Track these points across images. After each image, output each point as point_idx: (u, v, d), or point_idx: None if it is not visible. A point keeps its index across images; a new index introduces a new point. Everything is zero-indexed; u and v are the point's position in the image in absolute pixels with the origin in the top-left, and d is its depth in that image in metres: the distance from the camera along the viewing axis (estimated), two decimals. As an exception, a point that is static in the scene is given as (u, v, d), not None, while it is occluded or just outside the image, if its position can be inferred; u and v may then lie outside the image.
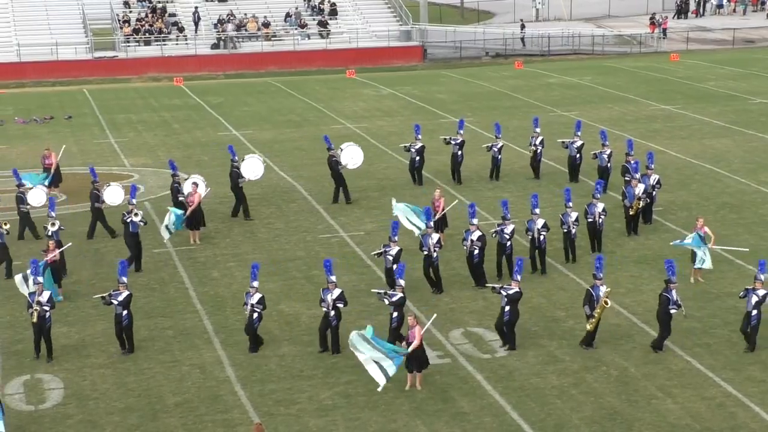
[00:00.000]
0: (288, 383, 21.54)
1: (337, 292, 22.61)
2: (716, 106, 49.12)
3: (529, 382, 21.44)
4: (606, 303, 22.45)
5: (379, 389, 20.54)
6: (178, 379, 21.82)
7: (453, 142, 35.69)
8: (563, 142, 35.72)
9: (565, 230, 27.85)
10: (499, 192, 34.46)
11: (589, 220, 28.44)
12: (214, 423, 20.01)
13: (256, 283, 22.68)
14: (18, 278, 24.46)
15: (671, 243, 27.60)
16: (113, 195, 31.06)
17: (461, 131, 36.09)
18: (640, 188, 29.82)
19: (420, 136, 35.78)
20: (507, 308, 22.59)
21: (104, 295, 22.95)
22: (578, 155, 35.16)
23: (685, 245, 26.46)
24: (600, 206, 28.47)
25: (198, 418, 20.19)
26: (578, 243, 28.20)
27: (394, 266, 24.58)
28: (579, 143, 35.15)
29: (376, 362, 20.53)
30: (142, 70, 64.09)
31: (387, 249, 25.66)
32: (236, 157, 32.71)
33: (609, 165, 33.93)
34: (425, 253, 26.04)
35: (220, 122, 48.01)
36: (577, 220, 27.86)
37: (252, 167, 32.90)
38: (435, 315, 22.33)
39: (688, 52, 69.03)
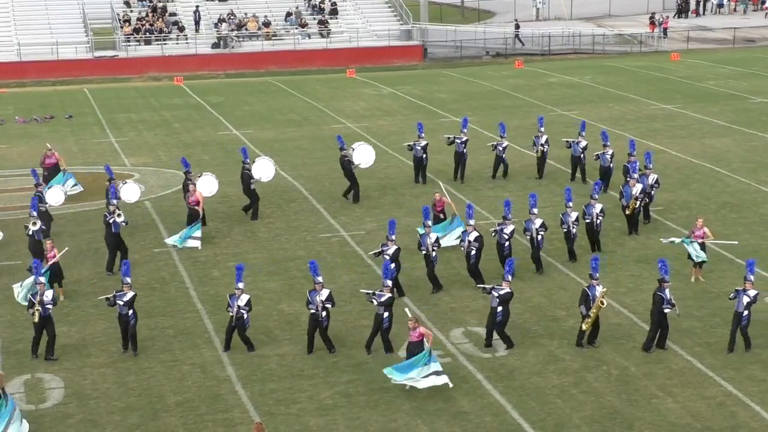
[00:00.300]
0: (288, 382, 21.55)
1: (325, 293, 22.54)
2: (716, 106, 49.13)
3: (529, 381, 21.45)
4: (602, 303, 22.48)
5: (451, 385, 20.54)
6: (178, 379, 21.83)
7: (458, 141, 35.72)
8: (567, 142, 35.65)
9: (565, 230, 27.85)
10: (500, 191, 34.46)
11: (587, 220, 28.41)
12: (214, 422, 20.02)
13: (241, 285, 22.63)
14: (16, 288, 24.44)
15: (662, 239, 27.68)
16: (130, 192, 31.30)
17: (465, 130, 36.11)
18: (637, 188, 29.80)
19: (423, 134, 35.81)
20: (499, 309, 22.59)
21: (108, 296, 22.92)
22: (583, 155, 35.10)
23: (675, 244, 26.69)
24: (598, 207, 28.43)
25: (198, 418, 20.20)
26: (579, 242, 28.18)
27: (392, 266, 24.62)
28: (584, 143, 35.05)
29: (425, 376, 20.56)
30: (143, 69, 64.10)
31: (385, 248, 25.65)
32: (248, 159, 32.79)
33: (611, 165, 33.92)
34: (424, 252, 26.05)
35: (221, 122, 48.02)
36: (577, 220, 27.86)
37: (263, 168, 32.97)
38: (406, 309, 22.26)
39: (688, 51, 69.04)
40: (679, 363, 22.07)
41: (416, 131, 36.26)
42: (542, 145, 35.85)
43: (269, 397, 20.94)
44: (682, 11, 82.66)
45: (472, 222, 26.46)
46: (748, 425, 19.55)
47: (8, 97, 56.41)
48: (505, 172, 36.27)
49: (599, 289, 22.54)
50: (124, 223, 28.24)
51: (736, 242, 27.63)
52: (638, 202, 29.85)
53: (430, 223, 26.52)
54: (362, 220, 32.13)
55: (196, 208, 30.13)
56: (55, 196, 31.31)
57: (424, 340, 20.97)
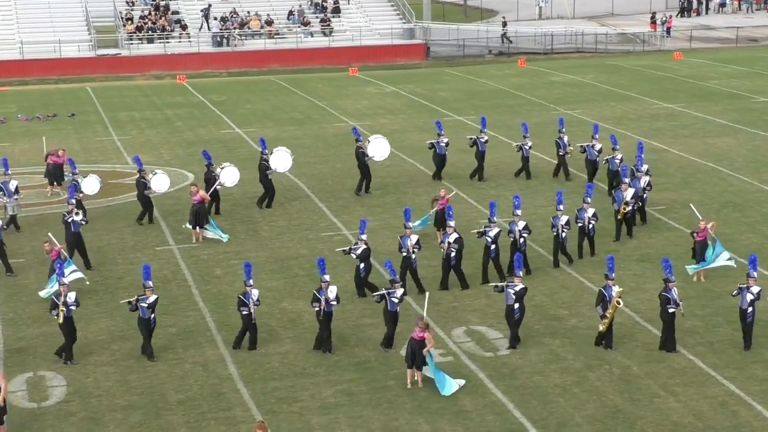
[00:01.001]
0: (290, 381, 21.55)
1: (333, 290, 22.57)
2: (719, 105, 49.08)
3: (531, 380, 21.44)
4: (618, 303, 22.42)
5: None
6: (180, 377, 21.84)
7: (480, 140, 35.74)
8: (582, 146, 35.40)
9: (555, 234, 27.62)
10: (502, 191, 34.43)
11: (579, 224, 28.17)
12: (216, 420, 20.03)
13: (251, 281, 22.72)
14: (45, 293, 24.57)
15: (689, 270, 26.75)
16: (160, 183, 31.47)
17: (485, 129, 36.21)
18: (629, 192, 29.52)
19: (443, 132, 35.82)
20: (516, 306, 22.54)
21: (131, 299, 22.77)
22: (598, 159, 34.81)
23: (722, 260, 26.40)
24: (590, 211, 28.10)
25: (201, 416, 20.21)
26: (570, 245, 27.99)
27: (362, 265, 25.15)
28: (599, 146, 34.75)
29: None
30: (145, 67, 64.11)
31: (355, 247, 25.63)
32: (266, 150, 33.01)
33: (619, 170, 33.67)
34: (404, 254, 25.87)
35: (223, 120, 48.03)
36: (567, 223, 27.57)
37: (280, 160, 33.18)
38: (425, 301, 22.49)
39: (691, 50, 68.98)
40: (681, 362, 22.05)
41: (422, 131, 36.30)
42: (568, 144, 35.66)
43: (271, 396, 20.94)
44: (685, 10, 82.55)
45: (452, 223, 26.27)
46: (750, 425, 19.54)
47: (11, 95, 56.44)
48: (518, 172, 36.20)
49: (615, 289, 22.46)
50: (83, 222, 28.21)
51: (711, 223, 27.59)
52: (629, 207, 29.49)
53: (410, 224, 26.27)
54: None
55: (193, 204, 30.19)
56: (90, 185, 31.70)
57: (426, 341, 20.97)
